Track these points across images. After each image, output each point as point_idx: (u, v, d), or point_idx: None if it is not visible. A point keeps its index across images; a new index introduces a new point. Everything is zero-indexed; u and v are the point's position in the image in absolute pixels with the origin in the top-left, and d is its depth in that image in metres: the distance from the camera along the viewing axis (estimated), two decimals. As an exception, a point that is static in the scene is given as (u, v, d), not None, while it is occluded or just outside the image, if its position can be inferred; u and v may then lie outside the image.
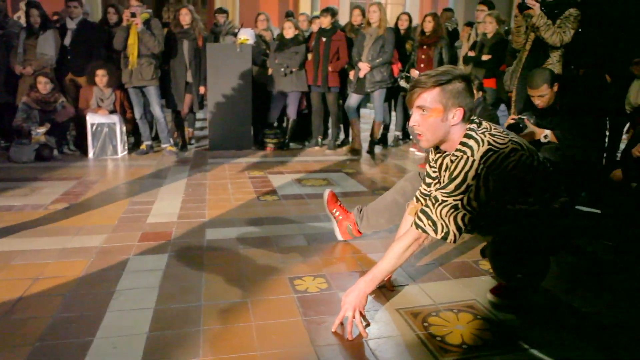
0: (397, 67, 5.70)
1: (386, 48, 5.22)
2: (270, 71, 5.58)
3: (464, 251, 2.45)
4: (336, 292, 1.99)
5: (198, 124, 7.49)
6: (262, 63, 5.71)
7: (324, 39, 5.43)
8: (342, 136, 6.53)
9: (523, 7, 3.65)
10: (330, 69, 5.44)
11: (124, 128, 5.08)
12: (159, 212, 3.00)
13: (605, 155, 3.72)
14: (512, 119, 3.15)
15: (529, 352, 1.59)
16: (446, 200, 1.64)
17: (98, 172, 4.18)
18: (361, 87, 5.35)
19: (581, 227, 2.88)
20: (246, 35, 5.49)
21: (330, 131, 6.01)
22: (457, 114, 1.65)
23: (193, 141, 5.92)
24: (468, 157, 1.62)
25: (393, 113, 6.57)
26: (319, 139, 5.97)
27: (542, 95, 3.05)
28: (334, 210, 2.59)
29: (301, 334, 1.69)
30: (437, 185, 1.81)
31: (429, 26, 5.40)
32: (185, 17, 5.21)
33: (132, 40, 4.82)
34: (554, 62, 3.64)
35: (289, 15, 7.29)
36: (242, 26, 5.69)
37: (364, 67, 5.24)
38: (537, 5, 3.54)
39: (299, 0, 11.32)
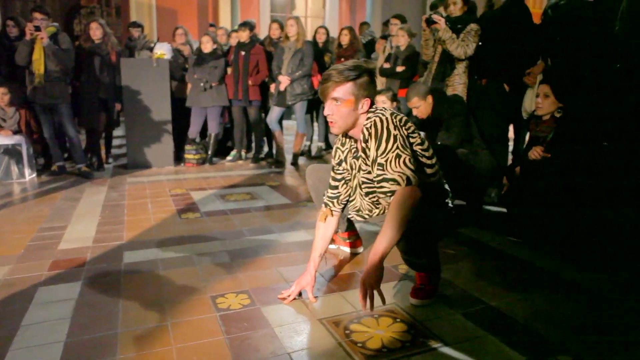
0: (317, 80, 5.79)
1: (305, 61, 5.30)
2: (189, 86, 5.49)
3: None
4: (259, 308, 1.98)
5: (116, 142, 7.18)
6: (181, 78, 5.60)
7: (242, 53, 5.43)
8: (265, 149, 6.53)
9: (430, 22, 3.88)
10: (250, 82, 5.44)
11: (31, 149, 4.75)
12: (72, 237, 2.83)
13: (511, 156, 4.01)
14: None
15: (443, 350, 1.68)
16: (388, 157, 1.76)
17: (1, 198, 3.87)
18: (282, 99, 5.38)
19: (489, 224, 3.07)
20: (163, 50, 5.37)
21: (253, 144, 5.98)
22: (365, 103, 1.82)
23: (110, 160, 5.67)
24: (381, 117, 1.79)
25: (315, 124, 6.67)
26: (243, 153, 5.92)
27: (415, 106, 3.44)
28: (331, 243, 2.62)
29: (223, 353, 1.66)
30: (369, 162, 1.86)
31: (345, 39, 5.56)
32: (95, 31, 4.98)
33: (37, 56, 4.52)
34: (459, 72, 3.88)
35: (212, 27, 7.21)
36: (158, 40, 5.54)
37: (284, 80, 5.29)
38: (443, 20, 3.78)
39: (218, 14, 11.20)
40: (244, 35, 5.43)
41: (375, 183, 1.82)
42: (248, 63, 5.41)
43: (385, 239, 1.70)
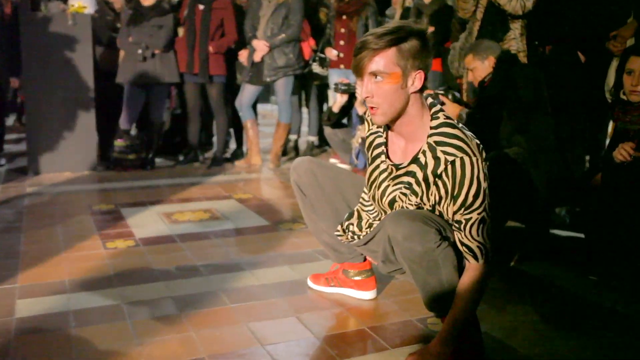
0: (307, 46, 5.77)
1: (291, 19, 5.27)
2: (122, 54, 5.44)
3: (407, 309, 2.48)
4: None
5: (11, 136, 7.10)
6: (110, 42, 5.56)
7: (201, 7, 5.40)
8: (232, 146, 6.46)
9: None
10: (211, 49, 5.40)
11: None
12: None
13: (588, 159, 3.98)
14: (427, 93, 3.46)
15: None
16: (472, 217, 1.88)
17: None
18: (258, 75, 5.35)
19: (559, 256, 3.03)
20: (82, 1, 5.32)
21: (215, 139, 5.93)
22: (417, 77, 1.87)
23: (2, 161, 5.58)
24: (470, 157, 1.85)
25: (305, 110, 6.63)
26: (199, 152, 5.87)
27: (470, 67, 3.54)
28: (330, 284, 2.63)
29: None
30: (437, 201, 1.96)
31: (348, -11, 5.56)
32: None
33: None
34: (515, 35, 3.84)
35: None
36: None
37: (260, 47, 5.25)
38: None
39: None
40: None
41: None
42: (208, 22, 5.39)
43: (452, 321, 1.91)
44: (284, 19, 5.26)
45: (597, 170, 3.07)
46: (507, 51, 3.68)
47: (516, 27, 3.83)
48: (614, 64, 3.64)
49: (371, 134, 2.12)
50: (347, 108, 4.95)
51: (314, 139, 6.39)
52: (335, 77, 5.59)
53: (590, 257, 2.94)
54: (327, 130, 5.10)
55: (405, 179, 1.97)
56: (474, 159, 1.84)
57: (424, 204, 1.94)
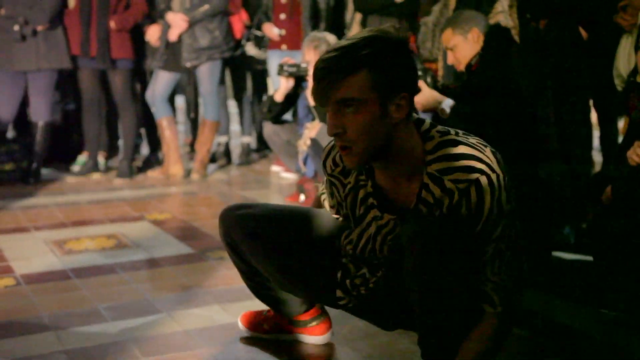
0: (239, 21, 5.78)
1: (217, -14, 5.29)
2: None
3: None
4: None
5: None
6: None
7: (97, -29, 5.37)
8: (144, 151, 6.41)
9: None
10: (113, 25, 5.37)
11: None
12: None
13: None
14: None
15: None
16: (486, 252, 1.87)
17: None
18: (175, 59, 5.35)
19: (562, 284, 3.09)
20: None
21: (121, 142, 5.88)
22: (401, 104, 1.83)
23: None
24: (488, 175, 1.83)
25: (233, 104, 6.62)
26: (101, 159, 5.82)
27: (449, 47, 3.56)
28: (273, 329, 2.61)
29: None
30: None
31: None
32: None
33: None
34: (504, 7, 3.92)
35: None
36: None
37: (177, 23, 5.25)
38: None
39: None
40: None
41: None
42: (108, -10, 5.37)
43: None
44: (207, -15, 5.28)
45: (607, 180, 3.11)
46: (497, 25, 3.73)
47: (506, -1, 3.93)
48: (625, 41, 3.75)
49: (349, 186, 2.08)
50: (293, 97, 4.92)
51: (249, 140, 6.40)
52: (276, 60, 5.58)
53: (601, 285, 2.99)
54: (267, 129, 5.09)
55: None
56: (492, 176, 1.82)
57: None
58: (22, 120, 5.67)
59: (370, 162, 1.92)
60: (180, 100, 7.53)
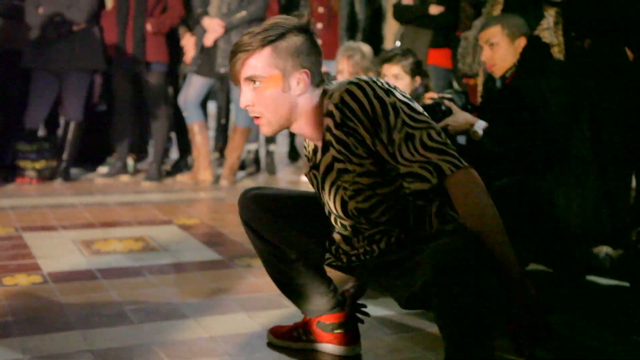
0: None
1: (254, -7, 5.33)
2: (30, 29, 5.40)
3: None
4: None
5: None
6: (12, 12, 5.53)
7: (136, -27, 5.43)
8: (174, 155, 6.44)
9: None
10: (149, 28, 5.43)
11: None
12: None
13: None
14: (430, 98, 3.42)
15: None
16: (395, 140, 1.95)
17: None
18: (209, 64, 5.38)
19: (598, 312, 3.06)
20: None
21: (151, 145, 5.92)
22: (301, 78, 2.07)
23: None
24: (356, 82, 2.01)
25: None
26: (130, 161, 5.86)
27: (490, 41, 3.40)
28: (301, 339, 2.62)
29: None
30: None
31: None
32: None
33: None
34: (549, 24, 3.91)
35: None
36: None
37: (213, 28, 5.29)
38: None
39: None
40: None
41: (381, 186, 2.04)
42: (146, -8, 5.43)
43: (489, 242, 1.87)
44: (245, -8, 5.32)
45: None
46: (539, 38, 3.67)
47: (551, 15, 3.90)
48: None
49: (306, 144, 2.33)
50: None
51: (274, 147, 6.43)
52: (311, 69, 5.60)
53: (635, 311, 2.97)
54: (300, 138, 5.12)
55: (332, 174, 2.12)
56: (361, 81, 2.00)
57: (364, 166, 2.03)
58: (53, 119, 5.73)
59: (284, 128, 2.14)
60: (212, 106, 7.57)
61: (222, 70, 5.37)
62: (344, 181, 2.09)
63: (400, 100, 1.98)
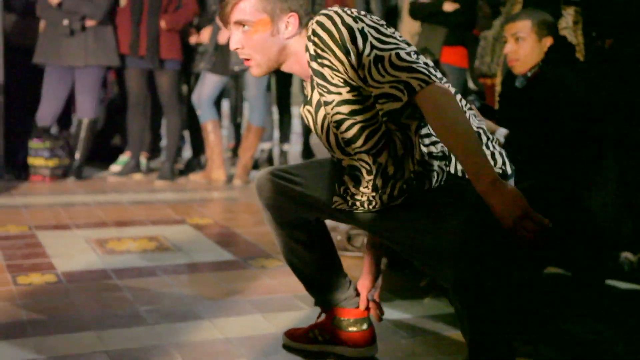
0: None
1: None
2: (42, 25, 5.46)
3: None
4: None
5: None
6: (26, 7, 5.56)
7: (150, -31, 5.43)
8: (187, 154, 6.45)
9: None
10: (163, 25, 5.43)
11: None
12: None
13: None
14: None
15: None
16: (364, 64, 2.01)
17: None
18: (223, 62, 5.38)
19: (619, 318, 3.05)
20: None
21: (164, 144, 5.93)
22: (290, 21, 2.14)
23: None
24: (324, 14, 2.07)
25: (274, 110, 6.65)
26: (143, 159, 5.87)
27: (517, 34, 3.29)
28: (317, 339, 2.62)
29: None
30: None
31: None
32: None
33: None
34: (568, 23, 3.90)
35: None
36: None
37: (228, 25, 5.28)
38: None
39: None
40: None
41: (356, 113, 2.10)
42: (159, -12, 5.43)
43: (462, 154, 1.88)
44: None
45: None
46: (565, 38, 3.59)
47: (570, 14, 3.89)
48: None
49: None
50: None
51: (287, 147, 6.42)
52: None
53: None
54: (313, 138, 5.12)
55: (320, 110, 2.21)
56: (329, 12, 2.06)
57: (341, 94, 2.09)
58: (67, 116, 5.74)
59: (273, 69, 2.22)
60: (225, 105, 7.58)
61: (237, 68, 5.36)
62: (327, 113, 2.18)
63: (368, 25, 2.04)
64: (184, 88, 5.99)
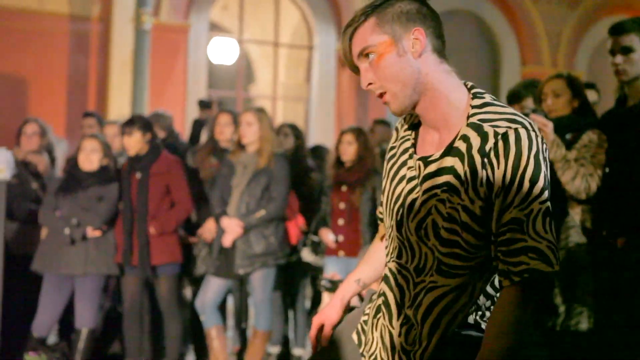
0: (295, 227, 5.84)
1: (274, 191, 5.40)
2: (43, 232, 5.51)
3: None
4: None
5: None
6: (29, 216, 5.65)
7: (138, 175, 5.52)
8: (190, 359, 6.37)
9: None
10: (152, 231, 5.45)
11: None
12: None
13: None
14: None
15: None
16: (532, 209, 1.93)
17: None
18: (227, 265, 5.39)
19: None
20: (-1, 162, 5.44)
21: (167, 351, 5.88)
22: (415, 35, 2.04)
23: None
24: (528, 130, 1.96)
25: (290, 313, 6.60)
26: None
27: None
28: None
29: None
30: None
31: (350, 151, 5.72)
32: None
33: None
34: (574, 222, 3.96)
35: (89, 116, 7.37)
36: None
37: (232, 228, 5.33)
38: (550, 124, 3.89)
39: (107, 95, 11.58)
40: (131, 141, 5.51)
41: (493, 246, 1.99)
42: (146, 194, 5.49)
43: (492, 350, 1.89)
44: (263, 190, 5.36)
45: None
46: None
47: (577, 213, 3.95)
48: None
49: (396, 143, 2.25)
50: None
51: (301, 352, 6.30)
52: (332, 267, 5.56)
53: None
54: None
55: (441, 179, 2.04)
56: (532, 133, 1.95)
57: (473, 204, 1.99)
58: (65, 324, 5.69)
59: (414, 103, 2.08)
60: (230, 301, 7.53)
61: (241, 271, 5.34)
62: (440, 199, 2.04)
63: (545, 176, 1.95)
64: (188, 291, 5.97)
